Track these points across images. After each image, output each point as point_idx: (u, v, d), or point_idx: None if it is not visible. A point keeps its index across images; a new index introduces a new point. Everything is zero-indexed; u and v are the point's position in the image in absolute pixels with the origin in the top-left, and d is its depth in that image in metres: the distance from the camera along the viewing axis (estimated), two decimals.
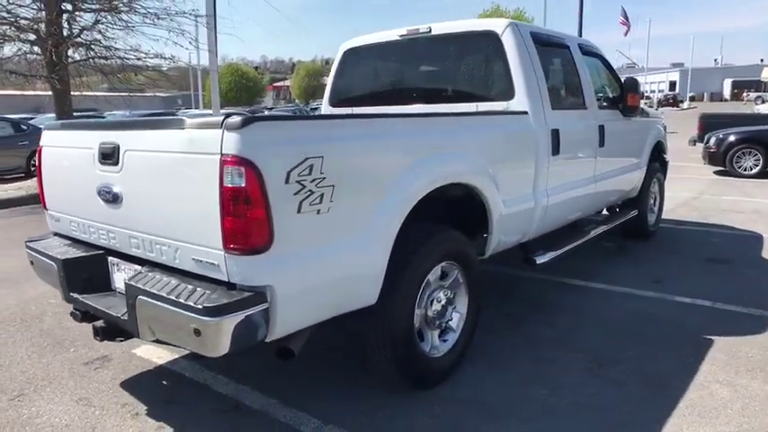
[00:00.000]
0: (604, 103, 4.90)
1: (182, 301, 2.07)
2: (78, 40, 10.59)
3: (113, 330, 2.59)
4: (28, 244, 3.06)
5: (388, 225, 2.48)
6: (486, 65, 3.84)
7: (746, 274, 4.83)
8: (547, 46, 4.09)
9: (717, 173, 11.28)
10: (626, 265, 5.17)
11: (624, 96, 4.90)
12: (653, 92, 62.16)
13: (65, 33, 10.47)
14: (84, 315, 2.75)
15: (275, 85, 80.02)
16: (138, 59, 11.79)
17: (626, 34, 36.81)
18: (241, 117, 2.01)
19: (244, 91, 52.23)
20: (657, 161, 6.17)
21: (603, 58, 5.06)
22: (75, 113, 19.07)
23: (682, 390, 2.89)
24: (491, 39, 3.72)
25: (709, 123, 13.61)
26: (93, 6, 10.97)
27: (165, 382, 3.15)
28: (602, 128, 4.45)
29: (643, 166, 5.52)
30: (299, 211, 2.12)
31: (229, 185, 1.99)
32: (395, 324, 2.65)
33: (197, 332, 2.03)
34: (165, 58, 11.67)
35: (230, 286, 2.10)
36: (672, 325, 3.75)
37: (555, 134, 3.75)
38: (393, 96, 4.31)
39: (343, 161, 2.27)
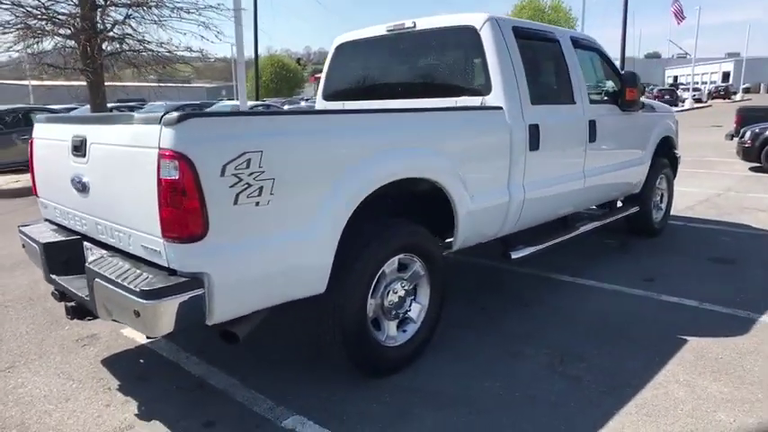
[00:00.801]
0: (601, 98, 4.83)
1: (125, 284, 2.22)
2: (111, 34, 11.01)
3: (83, 310, 2.77)
4: (20, 228, 3.30)
5: (334, 218, 2.57)
6: (466, 60, 3.85)
7: (748, 274, 4.69)
8: (532, 40, 4.07)
9: (752, 169, 10.82)
10: (623, 262, 5.10)
11: (622, 91, 4.82)
12: (704, 83, 59.56)
13: (98, 28, 10.91)
14: (62, 295, 2.96)
15: (316, 76, 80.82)
16: (169, 52, 12.21)
17: (679, 23, 35.35)
18: (178, 113, 2.14)
19: (284, 82, 52.97)
20: (666, 157, 6.03)
21: (602, 52, 4.97)
22: (123, 103, 19.73)
23: (638, 388, 2.88)
24: (470, 34, 3.74)
25: (747, 117, 13.01)
26: (125, 1, 11.40)
27: (141, 360, 3.35)
28: (592, 123, 4.40)
29: (646, 161, 5.41)
30: (235, 203, 2.23)
31: (165, 178, 2.12)
32: (345, 312, 2.74)
33: (137, 313, 2.19)
34: (193, 51, 12.02)
35: (171, 272, 2.24)
36: (649, 324, 3.70)
37: (534, 129, 3.75)
38: (379, 91, 4.37)
39: (284, 156, 2.37)
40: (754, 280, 4.52)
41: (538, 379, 3.01)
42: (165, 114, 2.14)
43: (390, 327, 3.04)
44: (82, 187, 2.71)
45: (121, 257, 2.52)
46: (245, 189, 2.25)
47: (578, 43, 4.61)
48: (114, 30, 11.11)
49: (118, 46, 11.37)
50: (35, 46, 10.61)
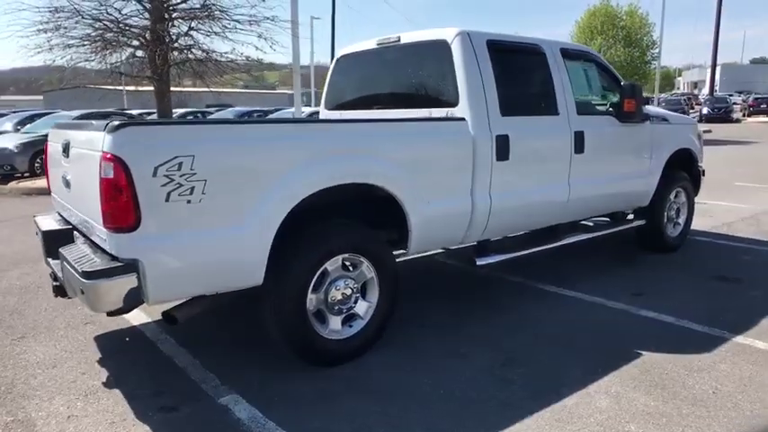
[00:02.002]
0: (595, 109, 4.82)
1: (76, 266, 2.61)
2: (176, 44, 11.95)
3: (63, 289, 3.21)
4: (34, 218, 3.83)
5: (267, 217, 2.84)
6: (439, 72, 4.01)
7: (746, 295, 4.49)
8: (510, 53, 4.17)
9: None
10: (620, 275, 5.01)
11: (621, 102, 4.78)
12: None
13: (164, 39, 11.88)
14: (56, 277, 3.43)
15: None
16: (231, 62, 13.06)
17: None
18: (119, 122, 2.50)
19: None
20: (685, 170, 5.84)
21: (601, 63, 4.94)
22: (207, 109, 21.09)
23: (563, 396, 2.93)
24: (442, 47, 3.90)
25: None
26: (196, 14, 12.34)
27: (127, 339, 3.78)
28: (579, 134, 4.41)
29: (654, 174, 5.28)
30: (167, 200, 2.56)
31: (104, 176, 2.49)
32: (283, 304, 3.01)
33: (81, 291, 2.57)
34: (249, 61, 12.78)
35: (113, 258, 2.61)
36: (611, 336, 3.69)
37: (502, 140, 3.85)
38: (369, 101, 4.62)
39: (215, 160, 2.68)
40: (750, 300, 4.34)
41: (471, 379, 3.13)
42: (109, 122, 2.51)
43: (334, 321, 3.27)
44: (66, 184, 3.16)
45: (89, 245, 2.93)
46: (177, 188, 2.58)
47: (570, 55, 4.63)
48: (179, 41, 12.04)
49: (179, 55, 12.30)
50: (110, 56, 11.71)
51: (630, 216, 5.54)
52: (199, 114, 20.37)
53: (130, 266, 2.55)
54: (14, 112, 18.53)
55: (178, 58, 12.51)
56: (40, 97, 48.39)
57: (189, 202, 2.62)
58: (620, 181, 4.95)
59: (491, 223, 3.95)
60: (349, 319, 3.35)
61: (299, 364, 3.22)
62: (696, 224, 6.96)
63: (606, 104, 5.00)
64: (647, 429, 2.63)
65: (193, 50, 12.50)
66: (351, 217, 3.42)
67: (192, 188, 2.62)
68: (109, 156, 2.47)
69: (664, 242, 5.66)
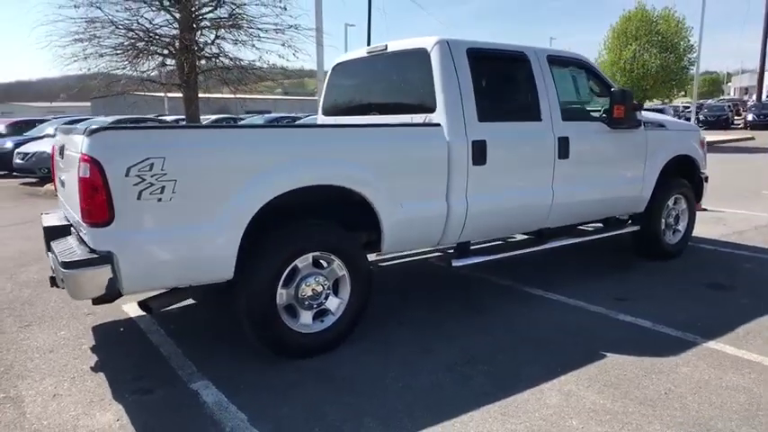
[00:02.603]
0: (583, 115, 4.87)
1: (59, 257, 2.87)
2: (203, 53, 12.44)
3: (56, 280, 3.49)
4: (41, 214, 4.15)
5: (236, 216, 3.05)
6: (420, 80, 4.15)
7: (736, 302, 4.46)
8: (491, 60, 4.29)
9: None
10: (611, 280, 5.03)
11: (611, 108, 4.82)
12: None
13: (192, 48, 12.38)
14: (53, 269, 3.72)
15: None
16: (257, 69, 13.51)
17: None
18: (97, 126, 2.76)
19: None
20: (686, 177, 5.80)
21: (592, 70, 4.99)
22: (248, 114, 21.84)
23: (516, 392, 3.03)
24: (422, 55, 4.05)
25: None
26: (223, 23, 12.82)
27: (121, 329, 4.06)
28: (564, 140, 4.48)
29: (649, 180, 5.27)
30: (139, 198, 2.80)
31: (82, 176, 2.74)
32: (254, 298, 3.21)
33: (62, 280, 2.83)
34: (275, 68, 13.19)
35: (92, 250, 2.86)
36: (583, 338, 3.75)
37: (479, 145, 3.97)
38: (359, 107, 4.80)
39: (185, 162, 2.90)
40: (736, 308, 4.30)
41: (432, 374, 3.25)
42: (89, 126, 2.77)
43: (305, 315, 3.45)
44: (62, 183, 3.45)
45: (78, 239, 3.20)
46: (149, 187, 2.81)
47: (558, 62, 4.71)
48: (206, 50, 12.54)
49: (207, 63, 12.80)
50: (141, 65, 12.28)
51: (628, 222, 5.56)
52: (231, 120, 20.98)
53: (105, 258, 2.79)
54: (56, 117, 19.58)
55: (205, 66, 13.02)
56: (89, 104, 50.66)
57: (160, 200, 2.85)
58: (610, 187, 4.98)
59: (469, 226, 4.06)
60: (321, 314, 3.53)
61: (273, 356, 3.41)
62: (706, 232, 6.90)
63: (600, 111, 5.05)
64: (588, 425, 2.71)
65: (221, 58, 13.01)
66: (330, 218, 3.60)
67: (163, 187, 2.85)
68: (86, 157, 2.72)
69: (662, 249, 5.63)
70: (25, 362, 3.48)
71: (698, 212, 8.14)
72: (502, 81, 4.42)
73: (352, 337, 3.64)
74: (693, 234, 6.75)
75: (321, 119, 5.33)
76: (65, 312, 4.35)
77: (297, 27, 12.40)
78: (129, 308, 4.36)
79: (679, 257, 5.75)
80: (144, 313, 4.21)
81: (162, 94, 31.45)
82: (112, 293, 2.92)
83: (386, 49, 4.50)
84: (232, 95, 13.96)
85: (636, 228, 5.41)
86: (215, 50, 12.43)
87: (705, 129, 28.62)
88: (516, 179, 4.29)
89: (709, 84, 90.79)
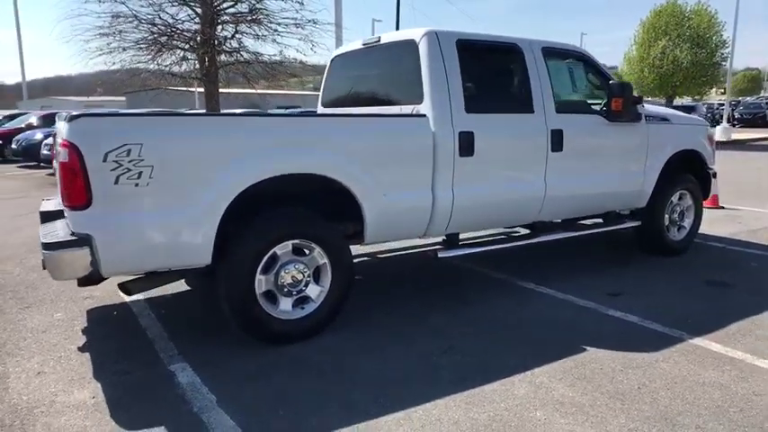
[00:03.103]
0: (579, 108, 4.81)
1: (42, 239, 2.99)
2: (223, 47, 12.65)
3: None
4: (42, 200, 4.31)
5: (213, 203, 3.11)
6: (409, 70, 4.14)
7: (732, 299, 4.35)
8: (482, 52, 4.27)
9: None
10: (608, 275, 4.95)
11: (609, 101, 4.74)
12: None
13: (214, 42, 12.60)
14: None
15: None
16: (277, 64, 13.66)
17: None
18: (78, 113, 2.85)
19: None
20: (693, 172, 5.67)
21: (590, 62, 4.90)
22: (280, 109, 22.25)
23: (486, 382, 3.02)
24: (411, 46, 4.06)
25: None
26: (243, 18, 13.01)
27: (115, 312, 4.18)
28: (557, 132, 4.43)
29: (650, 174, 5.17)
30: (116, 183, 2.89)
31: (62, 161, 2.84)
32: (232, 284, 3.28)
33: (44, 262, 2.94)
34: (295, 63, 13.33)
35: (73, 233, 2.96)
36: (566, 332, 3.71)
37: (466, 136, 3.96)
38: (356, 98, 4.83)
39: (163, 148, 2.98)
40: (731, 305, 4.20)
41: (406, 363, 3.27)
42: (69, 114, 2.87)
43: (284, 302, 3.50)
44: (55, 170, 3.57)
45: (65, 223, 3.31)
46: (126, 172, 2.90)
47: (554, 54, 4.65)
48: (226, 44, 12.74)
49: (228, 57, 13.00)
50: (162, 59, 12.56)
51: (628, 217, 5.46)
52: None
53: (84, 240, 2.89)
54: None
55: (226, 60, 13.23)
56: (124, 98, 51.95)
57: (137, 185, 2.94)
58: (608, 181, 4.90)
59: (456, 217, 4.06)
60: (301, 301, 3.57)
61: (254, 341, 3.47)
62: (718, 229, 6.75)
63: (600, 104, 4.97)
64: (551, 417, 2.69)
65: (242, 53, 13.20)
66: (316, 209, 3.64)
67: (140, 173, 2.93)
68: (65, 143, 2.82)
69: (665, 245, 5.51)
70: (18, 341, 3.62)
71: (713, 210, 8.01)
72: (493, 72, 4.40)
73: (335, 326, 3.69)
74: (704, 231, 6.61)
75: (320, 111, 5.38)
76: (64, 296, 4.50)
77: (315, 22, 12.47)
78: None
79: (684, 254, 5.63)
80: (140, 298, 4.37)
81: (194, 89, 32.12)
82: (94, 275, 3.02)
83: (379, 41, 4.52)
84: (254, 90, 14.15)
85: (636, 223, 5.31)
86: (235, 45, 12.61)
87: (741, 126, 27.76)
88: (506, 171, 4.26)
89: (750, 80, 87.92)
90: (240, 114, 3.31)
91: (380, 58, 4.57)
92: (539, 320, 3.93)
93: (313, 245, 3.52)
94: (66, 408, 2.79)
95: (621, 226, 5.28)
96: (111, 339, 3.67)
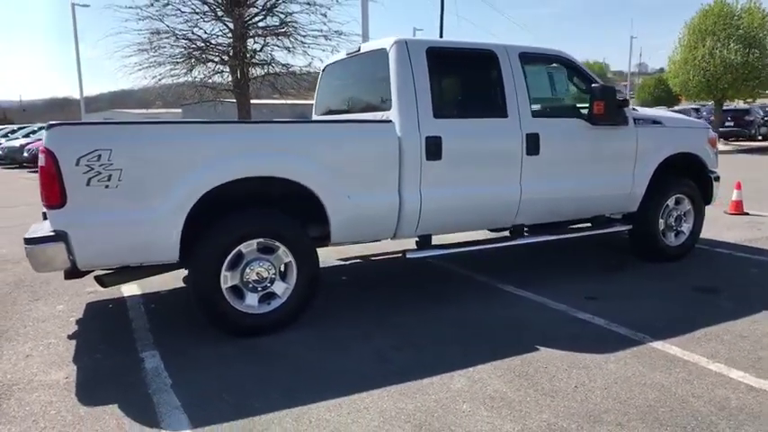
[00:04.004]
0: (559, 112, 4.84)
1: (25, 235, 3.33)
2: (254, 60, 13.17)
3: None
4: None
5: (178, 204, 3.37)
6: (381, 78, 4.31)
7: (715, 305, 4.27)
8: (454, 59, 4.39)
9: None
10: (591, 280, 4.93)
11: (591, 105, 4.75)
12: None
13: (246, 55, 13.14)
14: None
15: None
16: (307, 74, 14.09)
17: None
18: (54, 123, 3.18)
19: None
20: (691, 176, 5.56)
21: (573, 66, 4.92)
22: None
23: (428, 375, 3.13)
24: (383, 55, 4.23)
25: None
26: (274, 31, 13.51)
27: (110, 306, 4.53)
28: (533, 136, 4.48)
29: (640, 178, 5.11)
30: (88, 185, 3.19)
31: (40, 164, 3.18)
32: (199, 279, 3.54)
33: (27, 255, 3.28)
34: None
35: (52, 230, 3.29)
36: (528, 332, 3.76)
37: (433, 141, 4.09)
38: (342, 106, 5.04)
39: (130, 153, 3.27)
40: (710, 311, 4.12)
41: (358, 357, 3.42)
42: (49, 123, 3.21)
43: (250, 297, 3.72)
44: None
45: None
46: (96, 175, 3.20)
47: (533, 59, 4.71)
48: (256, 57, 13.27)
49: (260, 69, 13.52)
50: (196, 72, 13.20)
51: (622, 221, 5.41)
52: None
53: (60, 236, 3.20)
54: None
55: (257, 72, 13.76)
56: (180, 110, 54.24)
57: (107, 187, 3.24)
58: (591, 184, 4.89)
59: (425, 219, 4.18)
60: (268, 297, 3.79)
61: (227, 335, 3.70)
62: (732, 235, 6.57)
63: (564, 107, 5.02)
64: (476, 410, 2.78)
65: (272, 65, 13.70)
66: (288, 211, 3.85)
67: (110, 176, 3.23)
68: (43, 149, 3.15)
69: (660, 250, 5.43)
70: (19, 328, 4.00)
71: (736, 216, 7.75)
72: (464, 79, 4.51)
73: (302, 321, 3.88)
74: (717, 237, 6.47)
75: (314, 118, 5.62)
76: (71, 290, 4.89)
77: (340, 33, 12.82)
78: (127, 288, 4.85)
79: (682, 260, 5.52)
80: (137, 293, 4.72)
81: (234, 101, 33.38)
82: (74, 269, 3.34)
83: (359, 50, 4.71)
84: (283, 101, 14.61)
85: (627, 227, 5.26)
86: (264, 57, 13.11)
87: None
88: (477, 174, 4.34)
89: None
90: (201, 122, 3.57)
91: (360, 68, 4.76)
92: (504, 321, 3.99)
93: (277, 244, 3.73)
94: (41, 386, 3.10)
95: (610, 230, 5.24)
96: (98, 329, 4.00)
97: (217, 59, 13.19)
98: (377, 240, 4.36)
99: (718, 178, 5.74)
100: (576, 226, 5.47)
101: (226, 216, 3.61)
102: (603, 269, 5.31)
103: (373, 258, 5.86)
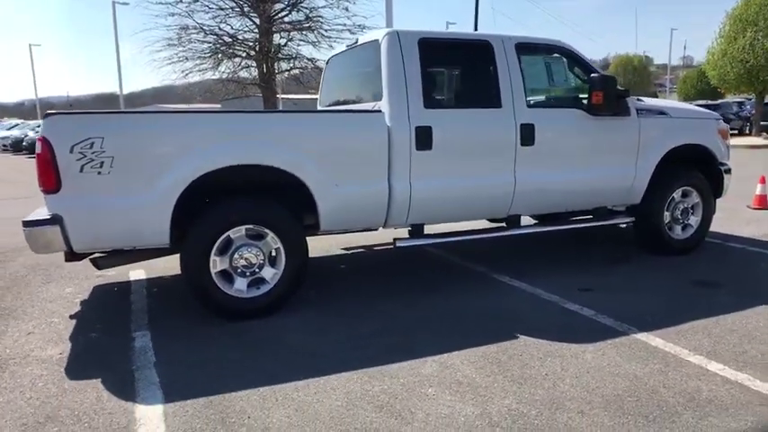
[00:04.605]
0: (556, 102, 4.80)
1: (23, 218, 3.52)
2: (279, 55, 13.38)
3: None
4: None
5: (167, 190, 3.50)
6: (374, 69, 4.36)
7: (711, 299, 4.16)
8: (447, 50, 4.41)
9: None
10: (590, 272, 4.88)
11: (589, 95, 4.69)
12: None
13: (271, 50, 13.36)
14: None
15: None
16: None
17: None
18: (50, 112, 3.36)
19: None
20: (702, 168, 5.43)
21: (573, 56, 4.85)
22: None
23: (401, 360, 3.18)
24: (376, 47, 4.28)
25: None
26: (299, 25, 13.68)
27: (116, 288, 4.73)
28: (528, 127, 4.46)
29: (642, 170, 5.01)
30: (81, 171, 3.36)
31: (37, 152, 3.36)
32: (190, 263, 3.68)
33: (25, 237, 3.47)
34: None
35: (49, 214, 3.47)
36: (512, 322, 3.75)
37: (423, 131, 4.12)
38: (342, 98, 5.12)
39: (122, 141, 3.42)
40: (705, 305, 4.03)
41: (335, 342, 3.49)
42: (46, 112, 3.38)
43: (240, 282, 3.84)
44: None
45: None
46: (89, 162, 3.36)
47: (531, 49, 4.69)
48: (281, 52, 13.47)
49: (286, 65, 13.73)
50: (222, 67, 13.49)
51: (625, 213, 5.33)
52: None
53: (55, 220, 3.38)
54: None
55: (283, 67, 13.97)
56: (219, 105, 55.79)
57: (99, 173, 3.40)
58: (591, 175, 4.82)
59: (415, 209, 4.22)
60: (257, 282, 3.90)
61: (219, 318, 3.83)
62: (753, 230, 6.44)
63: (562, 98, 4.98)
64: (441, 394, 2.82)
65: (297, 60, 13.89)
66: (281, 200, 3.94)
67: (102, 163, 3.39)
68: (40, 137, 3.33)
69: (665, 243, 5.31)
70: (27, 308, 4.23)
71: (760, 211, 7.50)
72: (458, 69, 4.51)
73: (290, 306, 3.98)
74: (735, 232, 6.31)
75: (319, 110, 5.71)
76: (82, 274, 5.13)
77: (363, 27, 12.89)
78: (134, 273, 5.06)
79: (690, 253, 5.39)
80: (143, 277, 4.92)
81: (281, 96, 33.85)
82: (71, 251, 3.53)
83: (356, 42, 4.77)
84: (309, 96, 14.77)
85: (629, 219, 5.18)
86: (289, 52, 13.30)
87: None
88: (469, 164, 4.35)
89: None
90: (191, 112, 3.70)
91: (358, 59, 4.82)
92: (490, 310, 4.00)
93: (266, 230, 3.84)
94: (35, 360, 3.29)
95: (611, 222, 5.17)
96: (99, 310, 4.20)
97: (243, 54, 13.46)
98: (368, 230, 4.41)
99: (729, 171, 5.57)
100: (578, 218, 5.40)
101: (216, 203, 3.73)
102: (606, 262, 5.24)
103: (375, 248, 5.92)
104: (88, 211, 3.44)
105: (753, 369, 3.03)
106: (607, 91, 4.62)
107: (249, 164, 3.69)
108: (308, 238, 4.06)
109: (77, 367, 3.20)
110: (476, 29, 28.30)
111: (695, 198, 5.40)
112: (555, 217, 5.26)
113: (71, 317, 4.04)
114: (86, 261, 3.94)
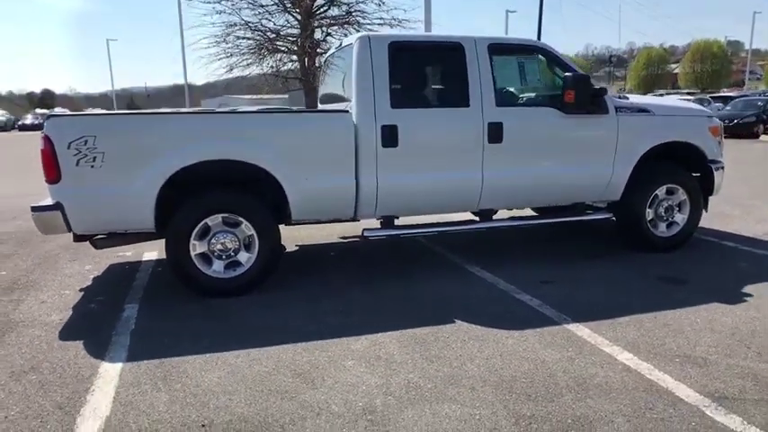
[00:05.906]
0: (526, 101, 4.96)
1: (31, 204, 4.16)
2: (318, 50, 13.90)
3: None
4: None
5: (150, 182, 4.03)
6: (348, 71, 4.71)
7: (669, 296, 4.25)
8: (417, 52, 4.69)
9: None
10: (558, 266, 5.03)
11: (562, 94, 4.83)
12: None
13: (311, 45, 13.90)
14: None
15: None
16: None
17: None
18: (51, 114, 3.95)
19: None
20: (691, 166, 5.42)
21: (550, 56, 4.98)
22: None
23: (340, 336, 3.56)
24: (350, 50, 4.63)
25: None
26: (340, 20, 14.15)
27: (126, 267, 5.37)
28: (496, 125, 4.67)
29: (621, 167, 5.09)
30: (77, 165, 3.93)
31: (41, 148, 3.96)
32: (171, 246, 4.21)
33: (33, 220, 4.10)
34: None
35: (53, 201, 4.08)
36: (456, 307, 4.03)
37: (389, 129, 4.44)
38: (332, 97, 5.50)
39: (110, 139, 3.96)
40: (658, 300, 4.15)
41: (294, 318, 3.91)
42: (49, 113, 3.98)
43: (217, 264, 4.33)
44: None
45: None
46: (84, 157, 3.93)
47: (504, 49, 4.88)
48: (321, 46, 13.98)
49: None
50: (265, 62, 14.17)
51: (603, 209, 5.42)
52: None
53: (57, 206, 3.98)
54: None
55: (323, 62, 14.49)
56: (286, 96, 57.66)
57: (92, 167, 3.96)
58: (563, 172, 4.97)
59: (383, 202, 4.56)
60: (233, 264, 4.38)
61: (204, 296, 4.34)
62: (757, 229, 6.31)
63: (535, 97, 5.12)
64: (356, 366, 3.17)
65: None
66: (259, 193, 4.40)
67: (95, 157, 3.95)
68: (43, 135, 3.93)
69: (647, 240, 5.36)
70: (48, 281, 4.93)
71: None
72: (427, 70, 4.76)
73: (265, 287, 4.43)
74: (737, 230, 6.25)
75: (320, 107, 6.12)
76: (104, 254, 5.79)
77: (399, 21, 13.17)
78: (149, 254, 5.69)
79: (675, 251, 5.41)
80: (153, 258, 5.53)
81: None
82: (77, 234, 4.14)
83: (342, 45, 5.13)
84: None
85: (607, 215, 5.27)
86: (329, 47, 13.78)
87: None
88: (435, 161, 4.62)
89: None
90: (167, 113, 4.20)
91: (341, 61, 5.18)
92: (443, 297, 4.29)
93: (240, 218, 4.30)
94: (39, 324, 3.92)
95: (588, 218, 5.27)
96: (105, 285, 4.82)
97: (285, 50, 14.10)
98: (338, 221, 4.78)
99: (721, 168, 5.51)
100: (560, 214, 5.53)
101: (195, 194, 4.23)
102: (581, 257, 5.36)
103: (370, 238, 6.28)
104: (84, 198, 4.02)
105: (659, 360, 3.19)
106: (579, 90, 4.75)
107: (219, 159, 4.16)
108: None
109: (70, 331, 3.80)
110: (540, 16, 27.73)
111: (681, 195, 5.40)
112: (553, 209, 5.41)
113: (80, 290, 4.68)
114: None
